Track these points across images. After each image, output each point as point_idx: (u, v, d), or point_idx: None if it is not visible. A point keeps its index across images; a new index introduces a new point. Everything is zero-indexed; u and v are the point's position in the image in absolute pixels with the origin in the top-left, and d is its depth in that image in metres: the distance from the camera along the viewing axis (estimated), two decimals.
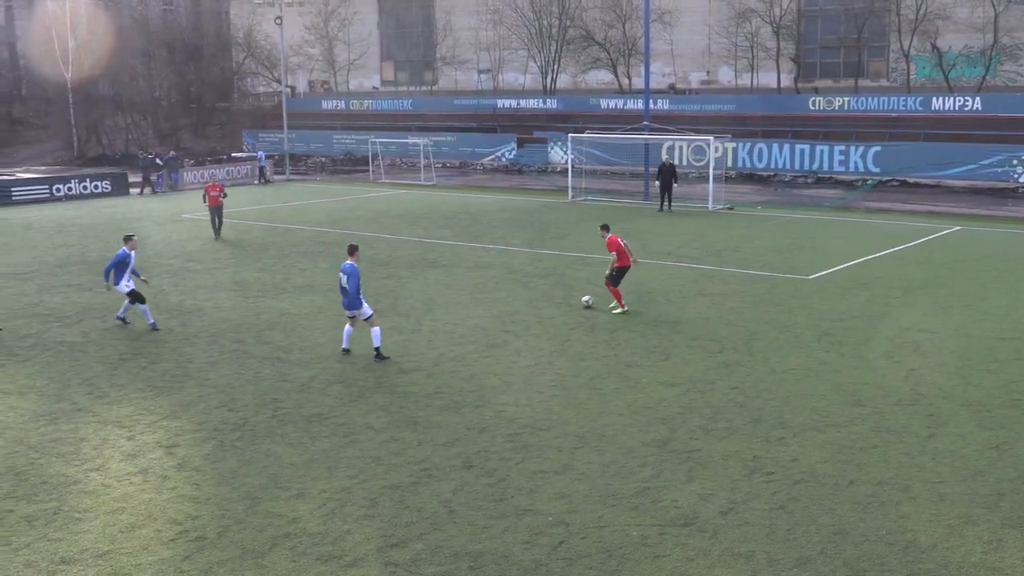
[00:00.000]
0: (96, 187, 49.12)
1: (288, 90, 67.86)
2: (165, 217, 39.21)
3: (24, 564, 10.17)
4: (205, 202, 33.78)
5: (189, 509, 11.41)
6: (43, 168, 66.23)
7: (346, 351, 18.03)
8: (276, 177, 56.30)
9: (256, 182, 54.14)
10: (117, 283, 19.88)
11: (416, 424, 14.17)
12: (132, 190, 49.83)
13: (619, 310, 21.00)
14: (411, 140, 58.16)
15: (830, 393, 15.41)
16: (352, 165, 61.45)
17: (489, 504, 11.44)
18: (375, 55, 76.14)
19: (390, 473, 12.37)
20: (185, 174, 52.88)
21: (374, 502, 11.52)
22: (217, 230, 33.20)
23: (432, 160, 53.83)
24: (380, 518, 11.10)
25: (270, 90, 76.37)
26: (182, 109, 76.35)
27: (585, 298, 21.78)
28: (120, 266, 19.83)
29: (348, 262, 17.77)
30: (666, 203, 38.89)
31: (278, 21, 59.35)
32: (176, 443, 13.55)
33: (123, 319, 20.62)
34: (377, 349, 17.61)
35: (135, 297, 20.10)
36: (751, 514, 11.10)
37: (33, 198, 46.89)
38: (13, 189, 47.38)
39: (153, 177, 50.51)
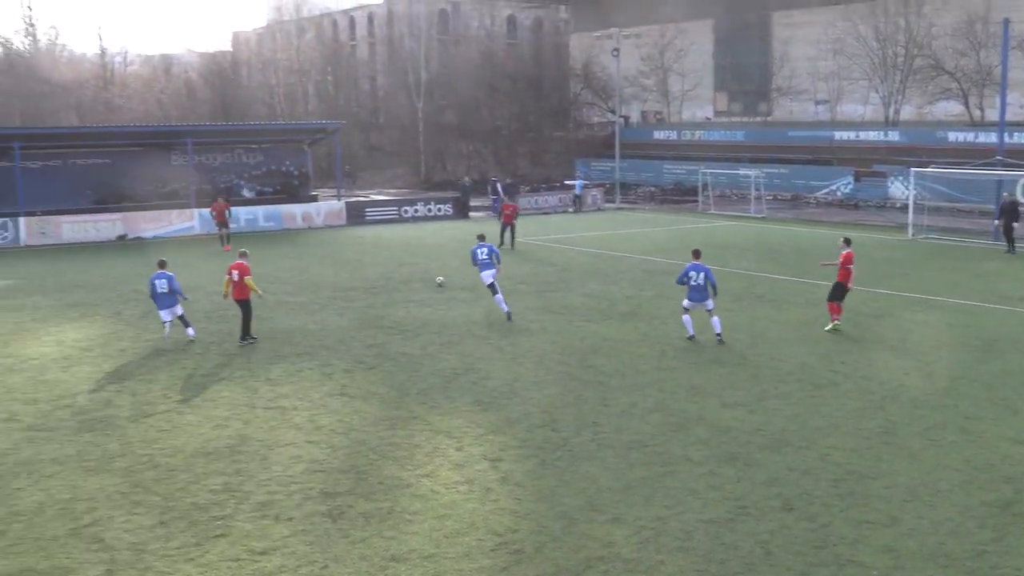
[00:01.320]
0: (439, 210, 52.31)
1: (622, 120, 69.10)
2: (496, 240, 40.96)
3: (359, 557, 10.92)
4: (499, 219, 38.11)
5: (509, 522, 11.80)
6: (393, 191, 71.41)
7: (692, 337, 21.27)
8: (606, 205, 57.39)
9: (570, 210, 55.49)
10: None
11: (736, 460, 13.89)
12: (473, 214, 52.61)
13: (829, 327, 22.08)
14: (742, 171, 57.39)
15: None
16: (681, 195, 61.48)
17: (809, 550, 10.99)
18: (708, 85, 75.89)
19: (707, 507, 12.19)
20: (519, 200, 55.13)
21: (689, 535, 11.40)
22: (500, 237, 37.87)
23: (763, 192, 52.82)
24: (695, 552, 10.96)
25: (604, 120, 78.09)
26: (520, 137, 79.66)
27: (439, 278, 27.50)
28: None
29: (696, 263, 21.21)
30: (1010, 244, 35.92)
31: (615, 53, 60.61)
32: (500, 457, 14.08)
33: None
34: (719, 335, 20.97)
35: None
36: None
37: (383, 218, 50.70)
38: (367, 209, 51.49)
39: (490, 201, 53.13)
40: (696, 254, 21.63)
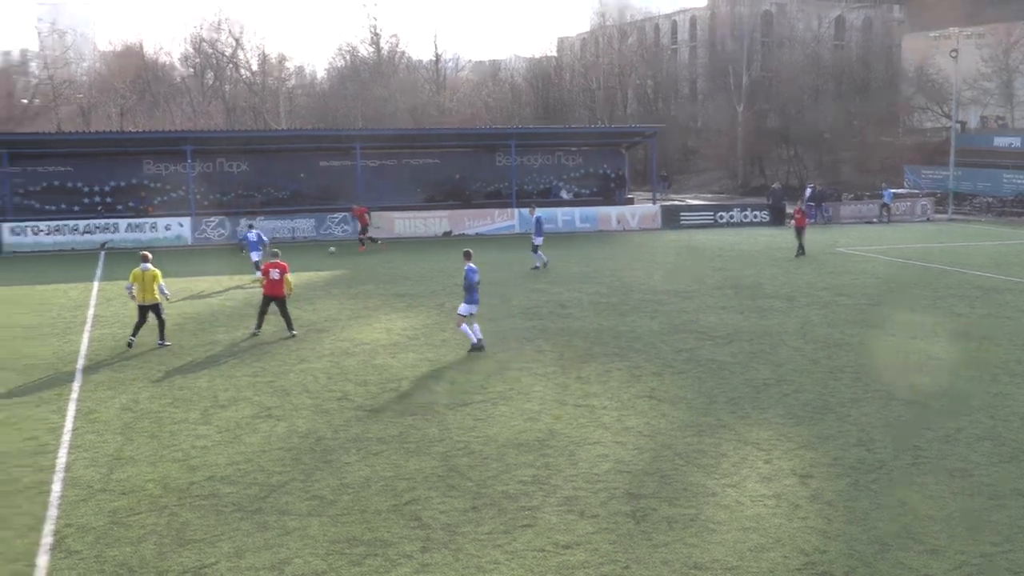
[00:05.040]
0: (755, 216, 51.31)
1: (957, 125, 64.77)
2: (818, 249, 39.60)
3: (661, 561, 10.90)
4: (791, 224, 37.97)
5: (817, 542, 11.37)
6: (709, 196, 70.78)
7: None
8: (937, 216, 54.06)
9: (874, 220, 52.57)
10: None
11: None
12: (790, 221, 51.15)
13: None
14: None
15: None
16: (1023, 207, 56.79)
17: None
18: None
19: None
20: (842, 208, 53.03)
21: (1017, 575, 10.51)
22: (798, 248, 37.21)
23: None
24: None
25: (937, 125, 73.43)
26: (844, 142, 76.57)
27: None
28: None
29: None
30: None
31: (953, 54, 56.91)
32: (811, 474, 13.60)
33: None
34: None
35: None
36: None
37: (698, 223, 50.40)
38: (682, 214, 51.41)
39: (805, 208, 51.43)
40: None
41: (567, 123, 78.64)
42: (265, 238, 32.92)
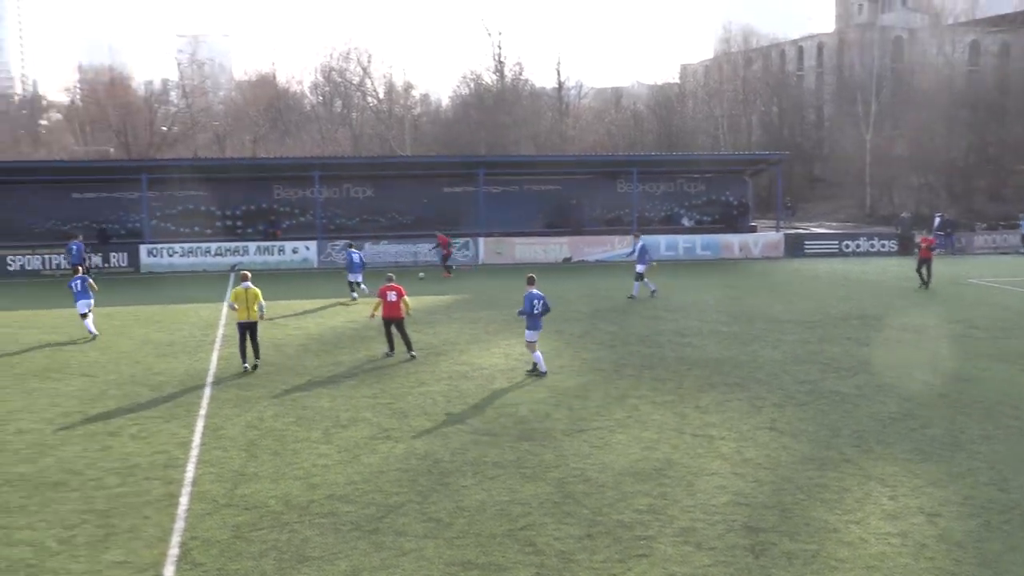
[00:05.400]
0: (883, 246, 49.98)
1: None
2: (948, 280, 38.30)
3: None
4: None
5: None
6: (834, 224, 69.18)
7: None
8: None
9: (1021, 250, 50.54)
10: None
11: None
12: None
13: None
14: None
15: None
16: None
17: None
18: None
19: None
20: (975, 238, 51.25)
21: None
22: (918, 275, 36.14)
23: None
24: None
25: None
26: (978, 170, 73.98)
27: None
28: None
29: None
30: None
31: None
32: (939, 512, 13.08)
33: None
34: None
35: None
36: None
37: (823, 251, 49.36)
38: (806, 242, 50.41)
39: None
40: None
41: (690, 150, 78.03)
42: (363, 261, 34.08)
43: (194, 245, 45.58)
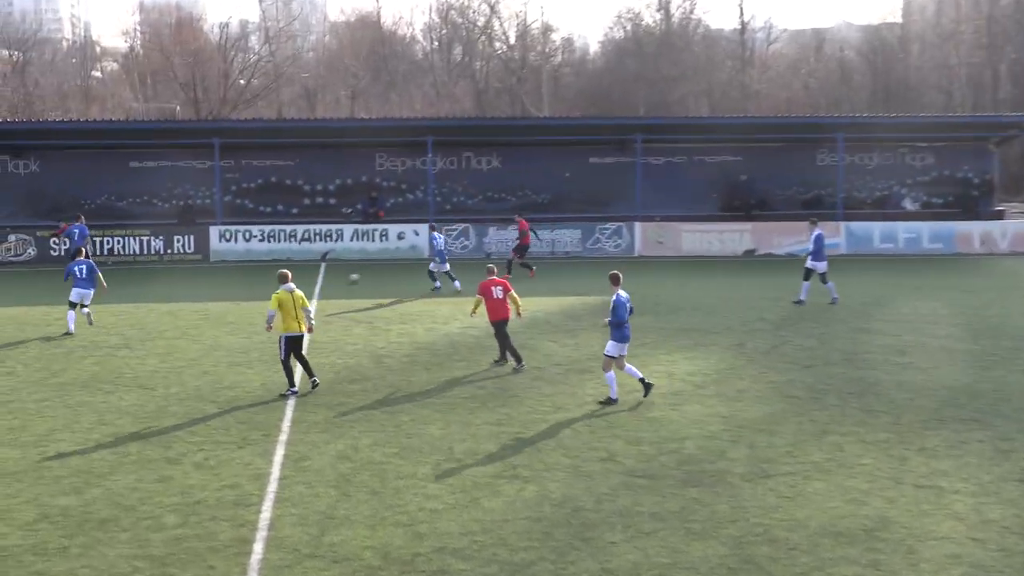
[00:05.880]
0: None
1: None
2: None
3: None
4: None
5: None
6: None
7: None
8: None
9: None
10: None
11: None
12: None
13: None
14: None
15: None
16: None
17: None
18: None
19: None
20: None
21: None
22: None
23: None
24: None
25: None
26: None
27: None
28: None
29: None
30: None
31: None
32: None
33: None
34: None
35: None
36: None
37: None
38: None
39: None
40: None
41: (914, 111, 76.32)
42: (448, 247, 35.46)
43: (276, 228, 46.68)
